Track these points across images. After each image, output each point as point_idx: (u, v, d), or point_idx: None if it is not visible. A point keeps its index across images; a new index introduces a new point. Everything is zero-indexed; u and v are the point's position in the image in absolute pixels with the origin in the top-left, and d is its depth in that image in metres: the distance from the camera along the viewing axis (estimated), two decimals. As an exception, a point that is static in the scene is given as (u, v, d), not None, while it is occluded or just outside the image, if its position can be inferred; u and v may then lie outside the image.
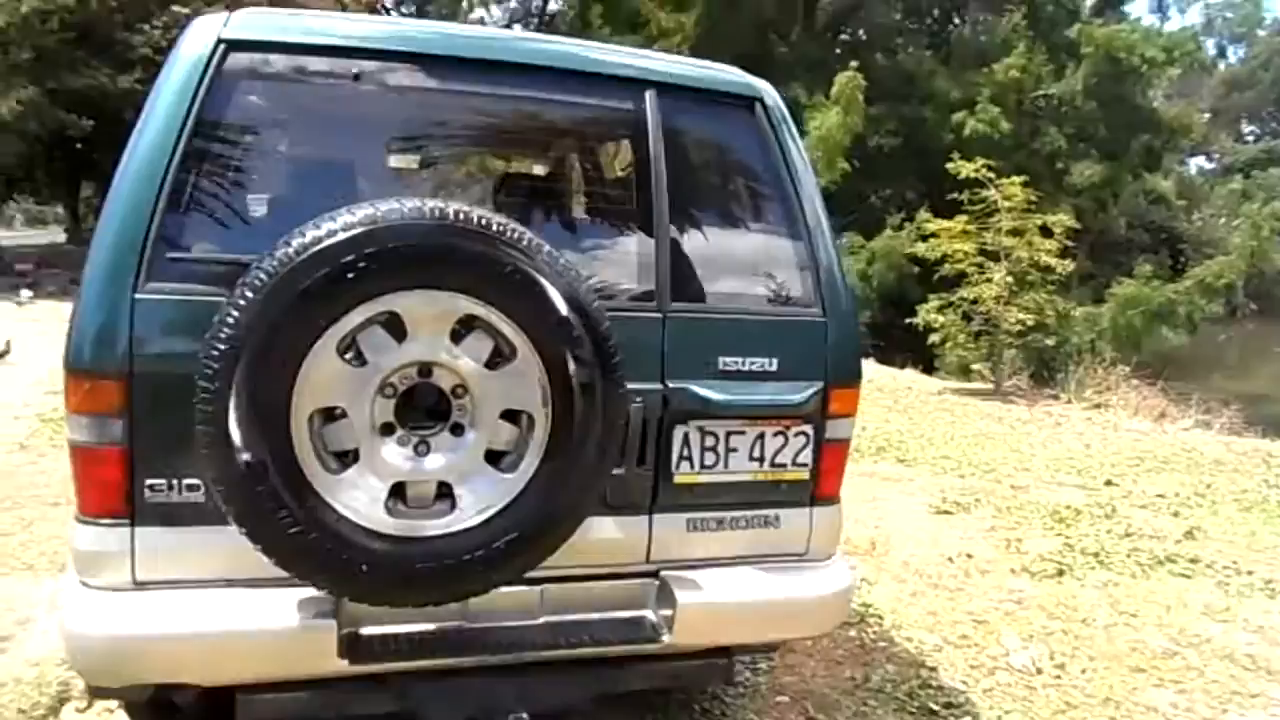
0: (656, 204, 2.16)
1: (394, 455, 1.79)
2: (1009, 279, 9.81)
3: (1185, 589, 3.99)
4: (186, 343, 1.81)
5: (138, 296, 1.84)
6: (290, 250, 1.65)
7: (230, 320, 1.64)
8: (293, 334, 1.66)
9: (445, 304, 1.74)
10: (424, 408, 1.81)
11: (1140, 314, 12.82)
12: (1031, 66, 14.62)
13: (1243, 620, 3.69)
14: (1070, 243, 10.25)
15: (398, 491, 1.80)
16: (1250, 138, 60.26)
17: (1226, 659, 3.34)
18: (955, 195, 10.65)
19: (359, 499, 1.76)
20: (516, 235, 1.75)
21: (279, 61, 2.00)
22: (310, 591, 1.89)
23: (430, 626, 2.01)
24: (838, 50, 19.59)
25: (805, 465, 2.28)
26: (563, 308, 1.77)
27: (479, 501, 1.83)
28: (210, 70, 1.92)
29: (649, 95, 2.21)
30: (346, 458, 1.76)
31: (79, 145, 20.18)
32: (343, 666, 1.90)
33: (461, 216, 1.71)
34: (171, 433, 1.83)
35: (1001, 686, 3.10)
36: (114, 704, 2.70)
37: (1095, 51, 14.05)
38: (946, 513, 4.98)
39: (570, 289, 1.78)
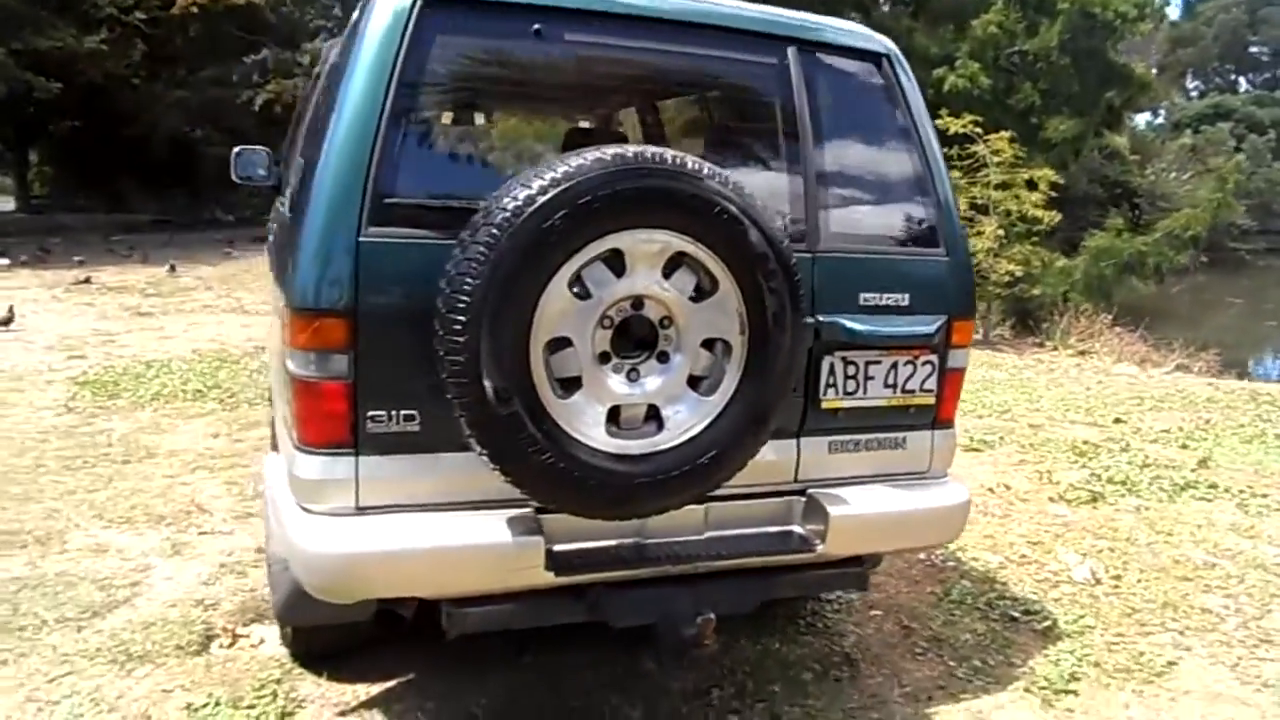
0: (804, 154, 2.35)
1: (611, 381, 1.97)
2: (999, 231, 10.14)
3: (1210, 511, 4.32)
4: (405, 281, 1.98)
5: (361, 240, 1.98)
6: (532, 191, 1.81)
7: (478, 257, 1.80)
8: (536, 269, 1.83)
9: (662, 241, 1.92)
10: (635, 337, 1.99)
11: (1112, 265, 13.27)
12: (1007, 23, 14.90)
13: (1267, 536, 4.02)
14: (1053, 195, 10.59)
15: (613, 414, 1.98)
16: (1195, 93, 61.70)
17: (1260, 568, 3.67)
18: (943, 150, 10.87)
19: (585, 421, 1.94)
20: (724, 179, 1.93)
21: (472, 16, 2.13)
22: (514, 512, 2.08)
23: (618, 541, 2.21)
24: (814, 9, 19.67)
25: (930, 391, 2.50)
26: (761, 244, 1.96)
27: (683, 422, 2.02)
28: (410, 24, 2.05)
29: (791, 51, 2.39)
30: (572, 384, 1.94)
31: (31, 110, 19.69)
32: (548, 578, 2.09)
33: (678, 161, 1.88)
34: (392, 366, 2.01)
35: (1068, 596, 3.39)
36: (255, 640, 2.89)
37: (1070, 6, 14.36)
38: (975, 450, 5.27)
39: (767, 228, 1.97)
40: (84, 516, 3.81)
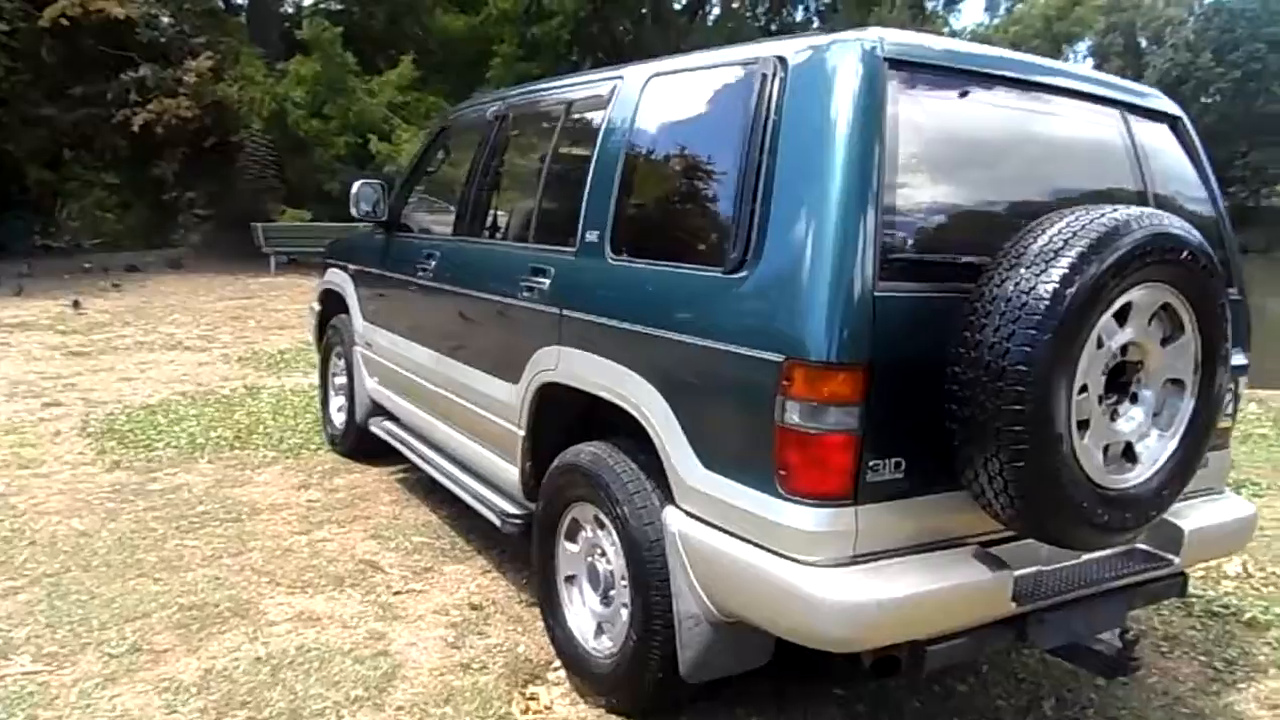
0: (1148, 203, 2.59)
1: (1105, 422, 2.12)
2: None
3: None
4: (912, 333, 2.07)
5: (876, 295, 2.05)
6: (1084, 250, 1.94)
7: (1036, 311, 1.91)
8: (1085, 324, 1.96)
9: (1158, 294, 2.09)
10: (1117, 381, 2.15)
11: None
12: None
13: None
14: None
15: (1104, 452, 2.13)
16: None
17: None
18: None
19: (1091, 461, 2.08)
20: (1199, 236, 2.13)
21: (931, 77, 2.25)
22: (969, 548, 2.20)
23: (1055, 566, 2.36)
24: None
25: (1229, 415, 2.79)
26: (1220, 292, 2.17)
27: (1151, 455, 2.20)
28: (880, 85, 2.15)
29: (1119, 112, 2.64)
30: (1083, 426, 2.07)
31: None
32: (1009, 608, 2.21)
33: (1177, 221, 2.07)
34: (893, 416, 2.08)
35: (1238, 590, 3.76)
36: (545, 702, 2.82)
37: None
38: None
39: (1222, 277, 2.19)
40: (256, 584, 3.55)
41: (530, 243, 3.26)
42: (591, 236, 2.84)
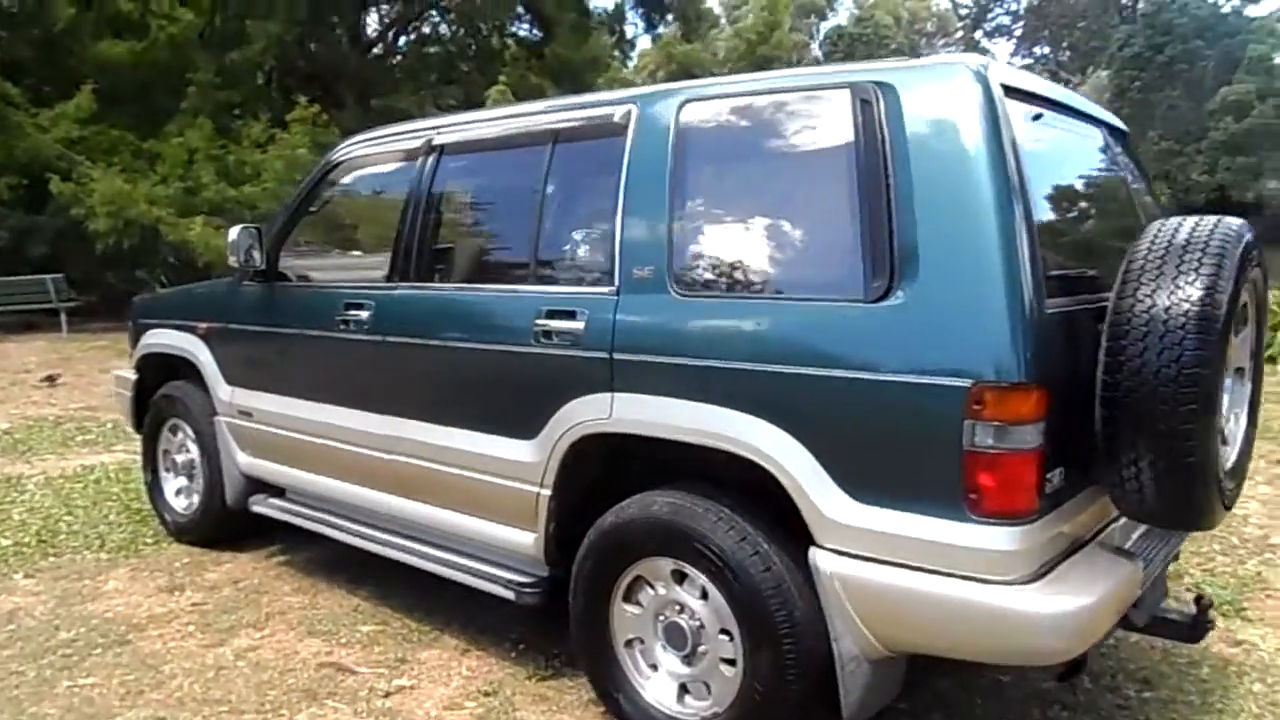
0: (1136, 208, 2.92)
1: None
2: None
3: None
4: (1066, 346, 2.19)
5: (1046, 314, 2.12)
6: (1221, 254, 2.11)
7: (1208, 317, 2.05)
8: (1230, 327, 2.13)
9: (1247, 292, 2.32)
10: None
11: None
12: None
13: None
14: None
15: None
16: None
17: None
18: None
19: (1226, 447, 2.27)
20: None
21: (1020, 102, 2.37)
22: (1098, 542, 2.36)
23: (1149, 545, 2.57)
24: None
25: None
26: (1266, 288, 2.48)
27: (1234, 436, 2.45)
28: (1004, 109, 2.23)
29: (1102, 131, 2.96)
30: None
31: None
32: (1139, 594, 2.38)
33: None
34: (1062, 429, 2.16)
35: None
36: None
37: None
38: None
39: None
40: (217, 717, 2.93)
41: (531, 285, 2.98)
42: (641, 272, 2.66)
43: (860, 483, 2.26)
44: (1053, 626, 2.08)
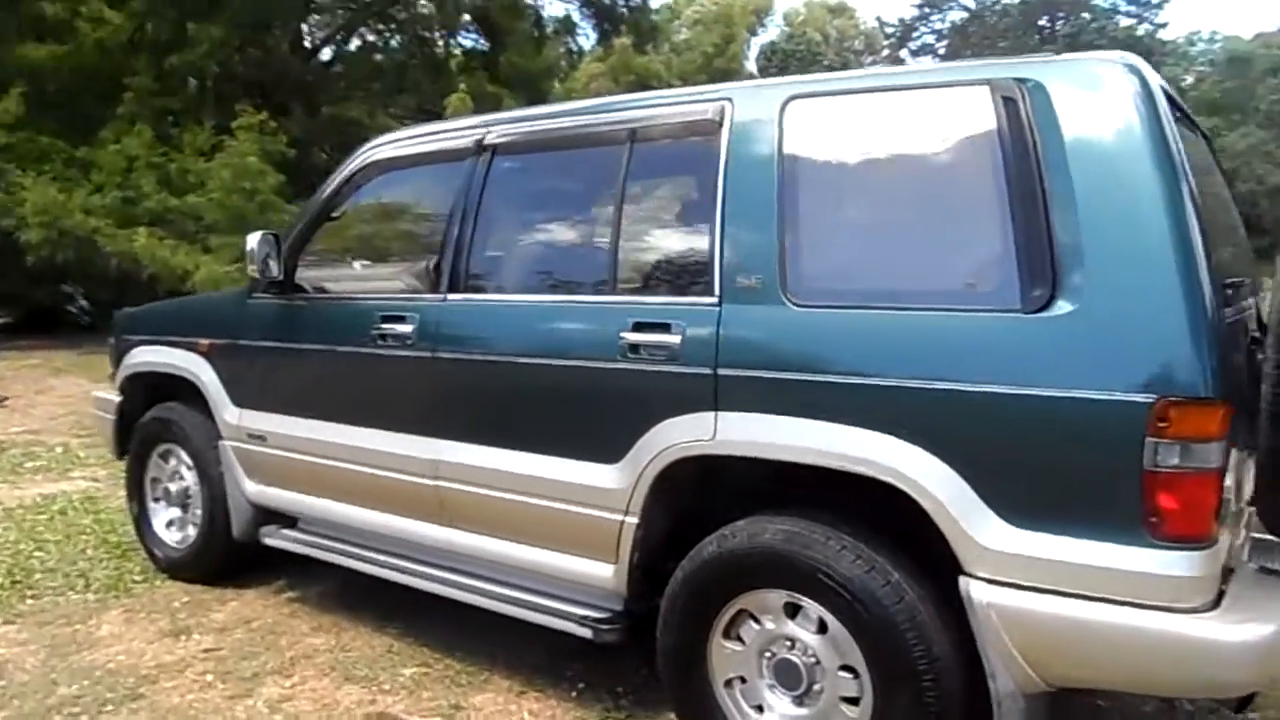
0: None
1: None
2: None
3: None
4: (1230, 357, 2.04)
5: (1225, 323, 1.99)
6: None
7: None
8: None
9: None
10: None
11: None
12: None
13: None
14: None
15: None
16: None
17: None
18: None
19: None
20: None
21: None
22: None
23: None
24: None
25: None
26: None
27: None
28: (1160, 106, 2.10)
29: None
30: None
31: None
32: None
33: None
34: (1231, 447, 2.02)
35: None
36: None
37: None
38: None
39: None
40: None
41: (612, 295, 2.76)
42: (747, 281, 2.46)
43: (1019, 507, 2.09)
44: (1242, 656, 1.93)
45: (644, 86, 17.79)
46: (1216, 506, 1.97)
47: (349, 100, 17.61)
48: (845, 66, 34.95)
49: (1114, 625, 1.98)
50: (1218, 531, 1.98)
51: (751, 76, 38.35)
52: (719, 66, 21.16)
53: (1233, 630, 1.93)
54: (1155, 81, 2.14)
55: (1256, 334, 2.28)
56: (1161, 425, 1.91)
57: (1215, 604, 1.99)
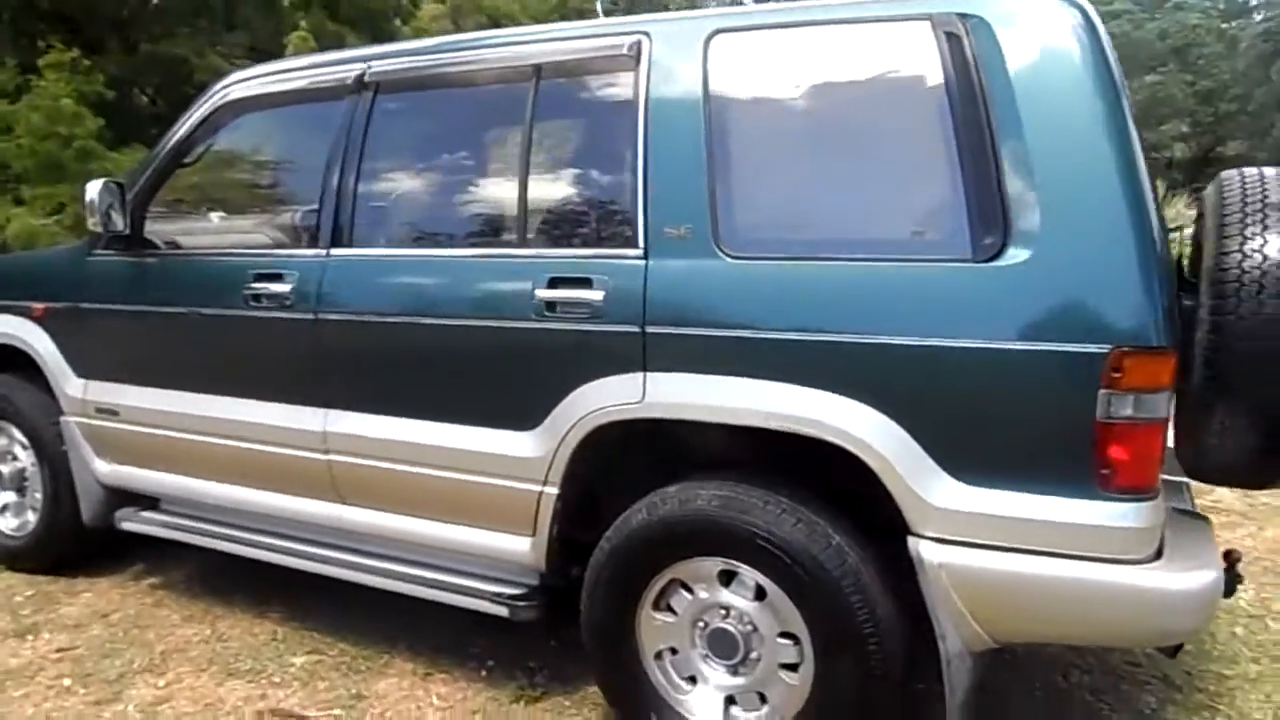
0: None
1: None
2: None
3: None
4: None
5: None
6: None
7: None
8: None
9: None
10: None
11: None
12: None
13: None
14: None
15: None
16: None
17: None
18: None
19: None
20: None
21: None
22: None
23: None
24: None
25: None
26: None
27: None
28: (1104, 40, 2.05)
29: None
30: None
31: None
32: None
33: None
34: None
35: None
36: None
37: None
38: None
39: None
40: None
41: (524, 247, 2.53)
42: (675, 231, 2.29)
43: (967, 464, 2.03)
44: (1190, 603, 1.95)
45: (496, 25, 17.12)
46: (1161, 456, 1.96)
47: (173, 37, 16.13)
48: (693, 8, 34.61)
49: (1066, 579, 1.96)
50: (1158, 482, 1.98)
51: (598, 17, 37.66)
52: (575, 6, 20.56)
53: (1181, 579, 1.94)
54: (1094, 14, 2.07)
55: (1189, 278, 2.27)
56: (1115, 376, 1.88)
57: (1159, 554, 1.99)
